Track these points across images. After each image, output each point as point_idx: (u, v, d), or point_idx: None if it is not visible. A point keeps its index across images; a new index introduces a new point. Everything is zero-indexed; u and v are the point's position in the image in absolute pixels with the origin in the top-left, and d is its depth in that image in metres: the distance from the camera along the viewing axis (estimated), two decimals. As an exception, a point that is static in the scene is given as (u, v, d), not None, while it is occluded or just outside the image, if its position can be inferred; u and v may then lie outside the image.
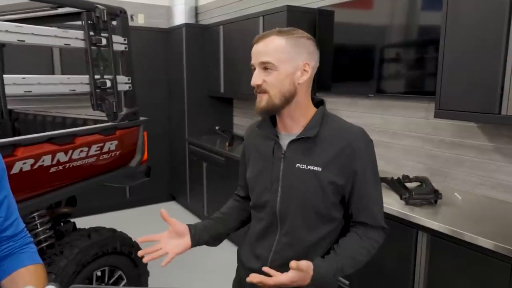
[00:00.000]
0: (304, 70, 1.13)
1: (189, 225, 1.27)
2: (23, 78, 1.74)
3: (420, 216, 1.90)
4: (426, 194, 2.07)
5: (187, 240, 1.24)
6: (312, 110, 1.20)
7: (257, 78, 1.12)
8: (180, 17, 4.71)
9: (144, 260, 1.19)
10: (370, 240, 1.17)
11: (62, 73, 3.97)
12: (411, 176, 2.41)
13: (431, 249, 1.89)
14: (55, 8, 2.12)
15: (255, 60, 1.13)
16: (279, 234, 1.20)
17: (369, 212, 1.17)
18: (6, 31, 1.65)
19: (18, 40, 1.70)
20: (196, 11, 4.90)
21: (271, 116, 1.22)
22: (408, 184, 2.30)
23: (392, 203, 2.08)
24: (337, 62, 2.96)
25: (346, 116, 2.95)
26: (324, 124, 1.16)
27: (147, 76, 4.53)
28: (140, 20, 4.85)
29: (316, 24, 3.11)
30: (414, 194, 2.05)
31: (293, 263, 1.02)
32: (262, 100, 1.13)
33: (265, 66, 1.11)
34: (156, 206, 4.79)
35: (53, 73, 3.97)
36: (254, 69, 1.14)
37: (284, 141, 1.18)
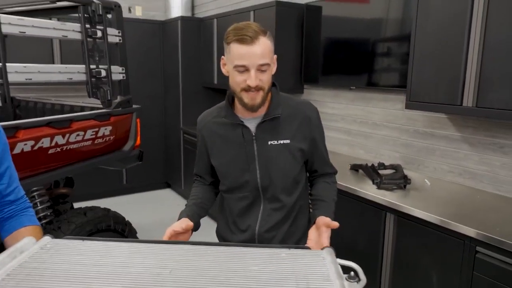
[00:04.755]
0: (274, 62, 1.28)
1: (190, 218, 1.27)
2: (24, 66, 1.90)
3: (388, 199, 2.07)
4: (396, 179, 2.24)
5: (189, 234, 1.27)
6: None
7: (256, 80, 1.20)
8: (177, 10, 4.84)
9: None
10: (335, 184, 1.47)
11: (62, 63, 4.13)
12: (386, 164, 2.58)
13: (398, 229, 2.06)
14: (54, 2, 2.27)
15: (251, 62, 1.18)
16: (263, 204, 1.37)
17: (328, 164, 1.47)
18: (9, 23, 1.81)
19: (20, 32, 1.86)
20: (192, 4, 5.03)
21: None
22: (383, 171, 2.47)
23: (365, 188, 2.25)
24: (324, 56, 3.11)
25: (331, 108, 3.12)
26: (280, 103, 1.34)
27: (144, 67, 4.68)
28: (137, 12, 4.99)
29: (303, 19, 3.26)
30: (384, 179, 2.22)
31: (316, 229, 1.23)
32: (258, 97, 1.23)
33: (263, 69, 1.20)
34: (152, 193, 4.97)
35: (53, 63, 4.12)
36: (245, 70, 1.19)
37: (251, 125, 1.32)
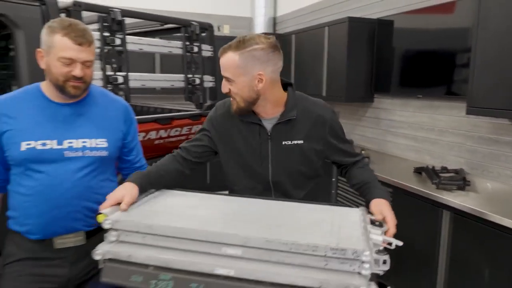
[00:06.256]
0: (260, 79, 1.29)
1: (139, 186, 1.26)
2: (140, 75, 2.45)
3: (444, 197, 2.22)
4: (455, 181, 2.37)
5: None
6: (283, 95, 1.39)
7: (224, 87, 1.34)
8: (260, 27, 5.33)
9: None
10: (368, 166, 1.52)
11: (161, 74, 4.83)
12: (449, 168, 2.70)
13: (453, 226, 2.20)
14: (163, 25, 2.84)
15: (221, 71, 1.33)
16: (274, 196, 1.43)
17: (353, 154, 1.51)
18: (132, 42, 2.37)
19: (139, 49, 2.41)
20: (274, 21, 5.49)
21: None
22: (445, 174, 2.59)
23: (425, 187, 2.41)
24: (394, 67, 3.28)
25: (400, 115, 3.29)
26: (297, 104, 1.40)
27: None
28: (225, 30, 5.57)
29: (375, 33, 3.48)
30: (443, 180, 2.37)
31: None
32: (234, 104, 1.35)
33: (229, 80, 1.31)
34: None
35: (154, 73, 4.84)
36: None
37: (267, 125, 1.39)
